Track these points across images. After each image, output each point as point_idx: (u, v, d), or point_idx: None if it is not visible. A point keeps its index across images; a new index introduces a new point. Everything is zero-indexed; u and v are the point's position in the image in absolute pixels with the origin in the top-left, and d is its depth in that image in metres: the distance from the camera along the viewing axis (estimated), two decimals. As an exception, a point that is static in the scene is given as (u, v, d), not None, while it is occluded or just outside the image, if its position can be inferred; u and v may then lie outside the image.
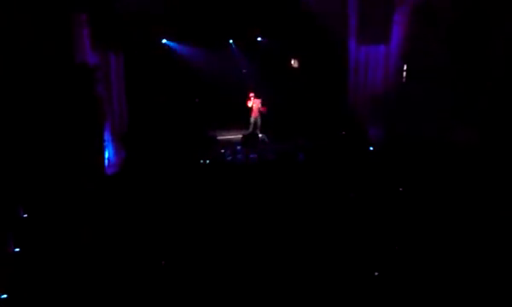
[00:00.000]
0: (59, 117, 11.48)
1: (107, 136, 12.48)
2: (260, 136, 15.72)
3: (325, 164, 11.29)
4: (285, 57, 17.33)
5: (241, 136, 15.49)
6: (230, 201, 9.20)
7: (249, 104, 15.97)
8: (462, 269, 6.70)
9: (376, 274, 6.61)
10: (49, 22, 11.30)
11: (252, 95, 15.96)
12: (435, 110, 12.92)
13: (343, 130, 13.27)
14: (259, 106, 15.99)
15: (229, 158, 12.67)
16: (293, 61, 17.56)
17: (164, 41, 16.07)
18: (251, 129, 15.94)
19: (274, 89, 16.58)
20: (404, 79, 14.37)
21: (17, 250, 7.69)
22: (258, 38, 16.81)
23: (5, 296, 6.78)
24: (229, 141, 15.15)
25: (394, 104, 13.96)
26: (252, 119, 16.03)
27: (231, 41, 17.03)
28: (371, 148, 13.06)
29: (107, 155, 12.31)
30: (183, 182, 10.51)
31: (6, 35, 10.72)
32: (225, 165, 12.22)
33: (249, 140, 14.56)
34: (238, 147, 13.87)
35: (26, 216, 8.90)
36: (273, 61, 16.93)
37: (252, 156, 12.56)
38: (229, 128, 16.34)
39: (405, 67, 14.35)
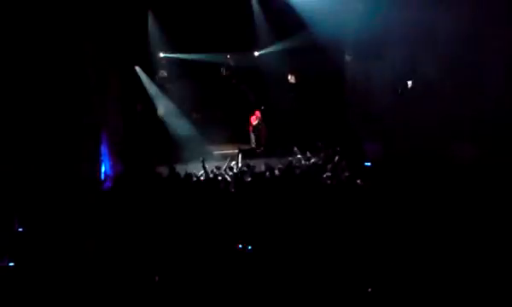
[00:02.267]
0: (56, 131, 11.56)
1: (103, 149, 12.54)
2: (258, 151, 15.82)
3: (319, 179, 11.28)
4: (283, 72, 17.41)
5: (237, 150, 15.54)
6: (225, 216, 9.20)
7: (254, 122, 16.11)
8: (459, 285, 6.70)
9: (370, 290, 6.61)
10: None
11: (258, 114, 16.11)
12: (432, 126, 12.99)
13: (337, 146, 13.29)
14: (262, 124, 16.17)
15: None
16: (290, 77, 17.63)
17: (162, 55, 16.14)
18: (253, 144, 16.07)
19: (271, 104, 16.68)
20: (400, 95, 14.44)
21: (11, 264, 7.66)
22: (256, 53, 16.92)
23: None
24: (224, 156, 15.18)
25: (392, 120, 14.03)
26: (253, 135, 16.13)
27: (228, 56, 17.13)
28: (368, 164, 13.08)
29: (103, 169, 12.35)
30: (177, 197, 10.52)
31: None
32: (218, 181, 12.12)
33: (247, 154, 14.69)
34: (232, 163, 13.83)
35: (21, 230, 8.89)
36: (271, 76, 17.02)
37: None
38: (225, 143, 16.37)
39: (402, 84, 14.46)
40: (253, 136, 16.24)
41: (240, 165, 13.43)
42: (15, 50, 11.10)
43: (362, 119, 14.78)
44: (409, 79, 14.24)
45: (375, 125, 14.31)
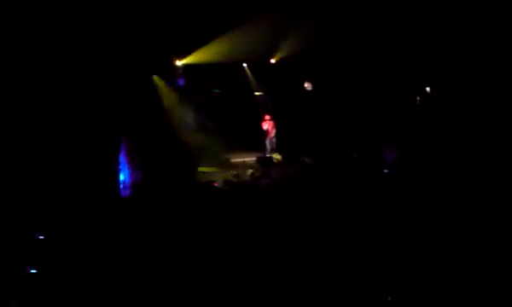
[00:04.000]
0: (75, 139, 11.70)
1: (122, 158, 12.63)
2: (273, 156, 15.83)
3: (337, 186, 11.24)
4: (299, 79, 17.39)
5: (254, 158, 15.58)
6: (241, 225, 9.20)
7: (264, 126, 16.10)
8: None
9: (389, 299, 6.54)
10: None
11: (267, 117, 16.11)
12: (449, 133, 12.91)
13: (355, 153, 13.27)
14: (273, 127, 16.17)
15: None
16: (306, 84, 17.59)
17: (178, 63, 16.20)
18: (268, 151, 16.04)
19: (287, 112, 16.67)
20: (418, 102, 14.39)
21: (33, 271, 7.75)
22: (272, 60, 16.94)
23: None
24: (242, 164, 15.22)
25: (410, 127, 13.95)
26: (267, 141, 16.14)
27: (245, 64, 17.16)
28: (386, 171, 13.02)
29: (122, 178, 12.44)
30: (195, 205, 10.54)
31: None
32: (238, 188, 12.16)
33: (264, 162, 14.71)
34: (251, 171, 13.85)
35: (42, 237, 8.99)
36: (286, 84, 17.01)
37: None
38: (242, 150, 16.37)
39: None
40: (267, 143, 16.24)
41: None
42: (35, 59, 11.32)
43: (381, 127, 14.72)
44: (427, 87, 14.20)
45: (394, 133, 14.25)
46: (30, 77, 11.31)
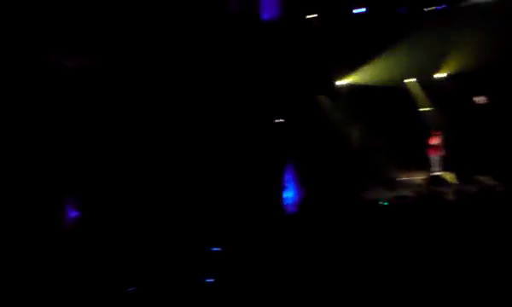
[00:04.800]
0: (246, 159, 12.34)
1: (288, 176, 12.94)
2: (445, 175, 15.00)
3: None
4: (470, 93, 16.31)
5: (423, 177, 14.91)
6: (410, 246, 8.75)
7: (433, 143, 15.39)
8: None
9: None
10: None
11: (436, 133, 15.39)
12: None
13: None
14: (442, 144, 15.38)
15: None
16: (478, 98, 16.42)
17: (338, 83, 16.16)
18: (436, 169, 15.28)
19: (458, 128, 15.69)
20: None
21: (211, 280, 8.19)
22: (440, 75, 16.14)
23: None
24: (410, 183, 14.66)
25: None
26: (435, 159, 15.36)
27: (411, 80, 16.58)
28: None
29: (290, 195, 12.74)
30: (361, 224, 10.31)
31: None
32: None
33: (435, 181, 14.07)
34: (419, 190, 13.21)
35: (217, 249, 9.50)
36: (456, 98, 16.04)
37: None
38: (409, 169, 15.75)
39: None
40: (435, 161, 15.42)
41: None
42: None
43: None
44: None
45: None
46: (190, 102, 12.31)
